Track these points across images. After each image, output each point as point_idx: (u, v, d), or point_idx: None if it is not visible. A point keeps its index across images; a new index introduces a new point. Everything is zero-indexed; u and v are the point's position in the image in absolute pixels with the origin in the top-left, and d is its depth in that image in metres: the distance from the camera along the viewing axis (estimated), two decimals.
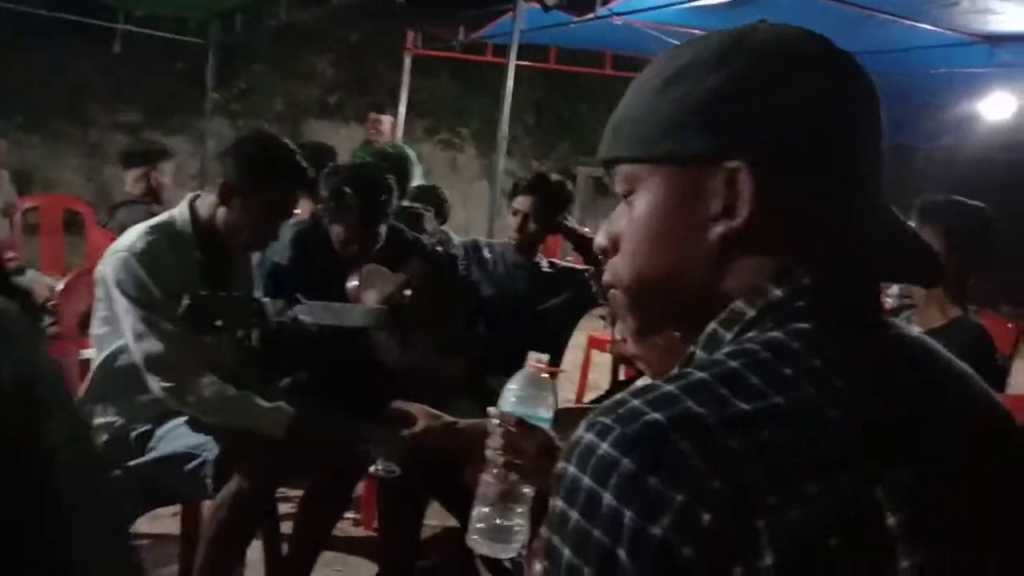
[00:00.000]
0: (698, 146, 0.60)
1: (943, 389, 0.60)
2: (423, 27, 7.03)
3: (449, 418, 1.52)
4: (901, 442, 0.54)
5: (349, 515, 2.72)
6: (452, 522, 2.56)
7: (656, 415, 0.51)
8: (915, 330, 0.64)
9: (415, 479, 2.24)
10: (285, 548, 2.21)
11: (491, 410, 1.27)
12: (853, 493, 0.50)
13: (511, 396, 1.26)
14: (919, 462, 0.53)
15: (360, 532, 2.70)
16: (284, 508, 2.51)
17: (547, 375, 1.27)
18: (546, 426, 1.23)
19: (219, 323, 1.73)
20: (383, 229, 2.31)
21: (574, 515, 0.51)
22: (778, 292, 0.59)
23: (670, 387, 0.53)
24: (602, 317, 3.40)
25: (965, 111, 7.14)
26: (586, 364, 4.29)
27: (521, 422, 1.21)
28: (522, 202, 2.60)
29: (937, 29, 5.68)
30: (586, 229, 3.13)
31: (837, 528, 0.49)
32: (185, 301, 1.68)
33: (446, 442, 1.46)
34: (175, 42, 7.60)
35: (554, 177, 2.77)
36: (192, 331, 1.73)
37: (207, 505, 1.92)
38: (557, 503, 0.53)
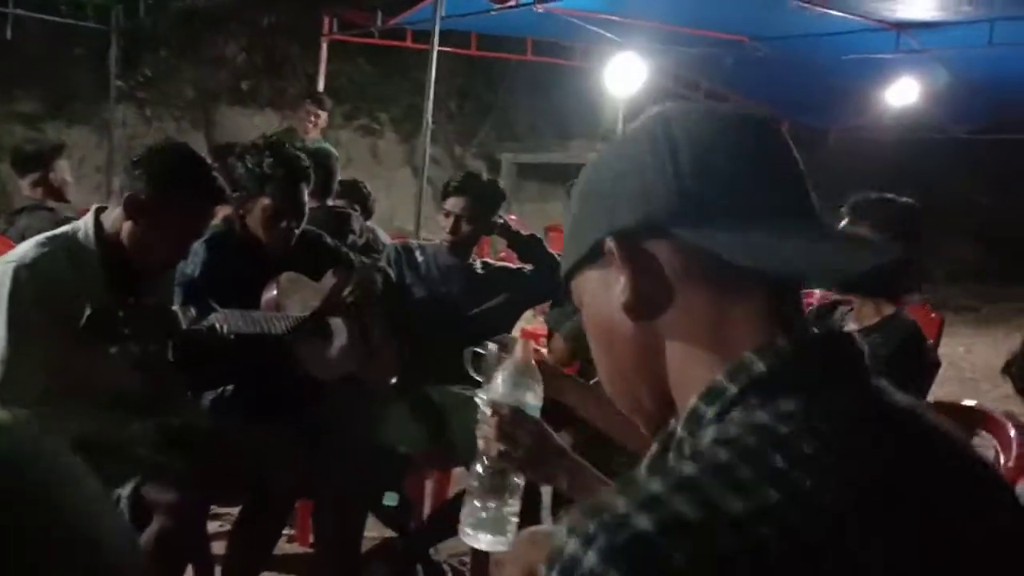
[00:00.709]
0: (586, 244, 0.66)
1: (935, 458, 0.58)
2: (338, 13, 6.85)
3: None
4: (896, 522, 0.52)
5: (284, 531, 2.62)
6: (389, 533, 2.50)
7: (644, 521, 0.48)
8: (901, 396, 0.61)
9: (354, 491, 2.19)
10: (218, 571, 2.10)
11: (482, 399, 1.26)
12: None
13: (500, 386, 1.25)
14: (914, 537, 0.52)
15: (296, 549, 2.60)
16: (212, 526, 2.39)
17: (534, 365, 1.27)
18: (535, 414, 1.24)
19: (126, 332, 1.60)
20: (306, 199, 2.20)
21: None
22: (761, 366, 0.57)
23: (657, 486, 0.50)
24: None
25: (873, 95, 7.39)
26: None
27: (515, 411, 1.21)
28: (454, 203, 2.53)
29: (847, 16, 5.84)
30: (512, 217, 3.08)
31: None
32: (87, 311, 1.54)
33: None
34: (73, 27, 7.19)
35: (485, 176, 2.71)
36: (96, 343, 1.59)
37: None
38: None
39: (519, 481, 1.22)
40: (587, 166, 0.70)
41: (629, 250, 0.62)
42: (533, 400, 1.24)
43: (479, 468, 1.22)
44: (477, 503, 1.22)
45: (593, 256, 0.65)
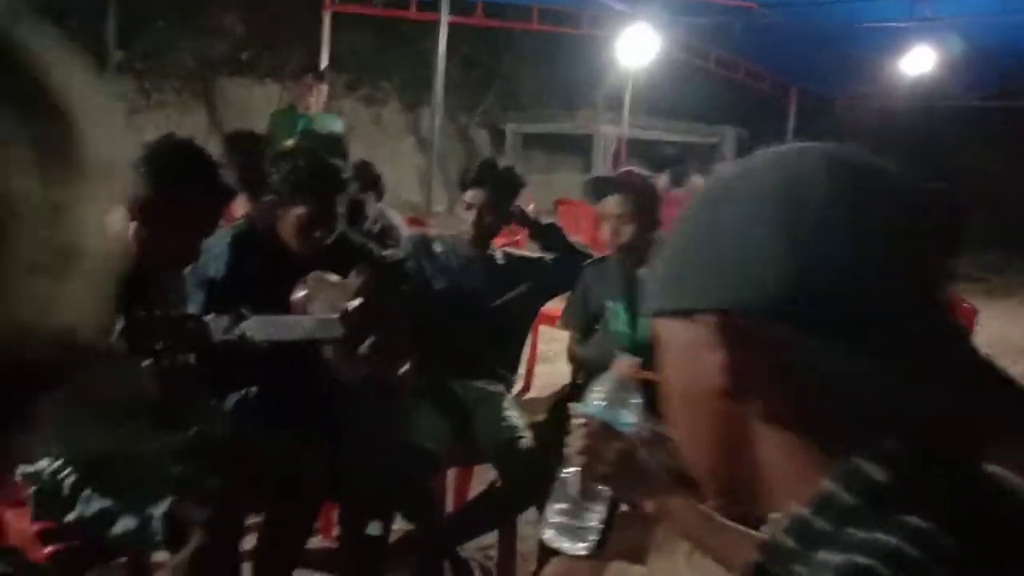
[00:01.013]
0: (681, 302, 0.59)
1: None
2: None
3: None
4: None
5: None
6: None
7: None
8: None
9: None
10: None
11: (574, 409, 1.24)
12: None
13: (596, 398, 1.23)
14: None
15: (318, 543, 2.59)
16: None
17: (634, 379, 1.24)
18: (630, 431, 1.22)
19: (160, 346, 1.59)
20: (340, 208, 2.16)
21: None
22: (880, 475, 0.53)
23: None
24: None
25: (884, 63, 7.27)
26: (534, 338, 4.24)
27: (604, 426, 1.20)
28: (474, 195, 2.47)
29: None
30: (531, 205, 3.00)
31: None
32: (120, 323, 1.52)
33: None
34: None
35: (502, 164, 2.64)
36: (129, 355, 1.58)
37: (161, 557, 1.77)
38: None
39: (605, 490, 1.21)
40: (698, 205, 0.61)
41: (730, 332, 0.55)
42: (629, 417, 1.22)
43: (565, 473, 1.21)
44: (561, 506, 1.21)
45: (686, 314, 0.58)
